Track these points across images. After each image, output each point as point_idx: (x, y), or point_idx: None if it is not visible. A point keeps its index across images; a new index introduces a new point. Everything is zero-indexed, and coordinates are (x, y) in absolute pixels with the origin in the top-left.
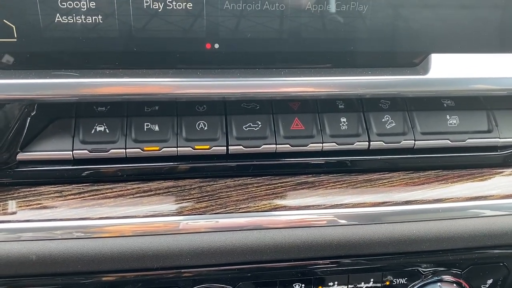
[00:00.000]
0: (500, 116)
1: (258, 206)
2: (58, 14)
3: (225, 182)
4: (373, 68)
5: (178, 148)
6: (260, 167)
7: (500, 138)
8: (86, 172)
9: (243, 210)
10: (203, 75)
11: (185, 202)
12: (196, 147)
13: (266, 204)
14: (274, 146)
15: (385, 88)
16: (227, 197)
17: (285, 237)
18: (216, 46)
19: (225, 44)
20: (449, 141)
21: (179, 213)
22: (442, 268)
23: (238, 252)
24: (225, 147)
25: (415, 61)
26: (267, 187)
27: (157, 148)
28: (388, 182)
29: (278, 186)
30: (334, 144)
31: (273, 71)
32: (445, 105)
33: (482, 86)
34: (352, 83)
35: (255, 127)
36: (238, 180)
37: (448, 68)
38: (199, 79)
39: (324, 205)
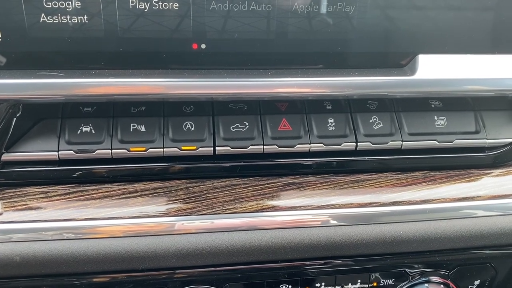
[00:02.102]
0: (487, 117)
1: (245, 207)
2: (43, 14)
3: (212, 183)
4: (360, 69)
5: (164, 149)
6: (248, 168)
7: (487, 139)
8: (71, 173)
9: (230, 211)
10: (190, 76)
11: (172, 203)
12: (183, 147)
13: (253, 205)
14: (262, 146)
15: (372, 89)
16: (214, 198)
17: (272, 238)
18: (203, 46)
19: (212, 45)
20: (436, 142)
21: (165, 214)
22: (429, 269)
23: (225, 253)
24: (212, 148)
25: (402, 62)
26: (254, 188)
27: (143, 149)
28: (375, 182)
29: (266, 187)
30: (322, 145)
31: (260, 71)
32: (432, 106)
33: (470, 87)
34: (339, 84)
35: (243, 128)
36: (225, 181)
37: (435, 69)
38: (186, 80)
39: (311, 206)
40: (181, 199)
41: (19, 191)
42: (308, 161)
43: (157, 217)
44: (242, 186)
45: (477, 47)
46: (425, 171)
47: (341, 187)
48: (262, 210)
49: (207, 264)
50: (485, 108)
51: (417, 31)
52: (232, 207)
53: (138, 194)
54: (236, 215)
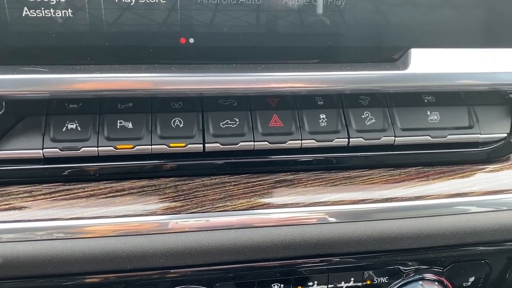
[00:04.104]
0: (481, 112)
1: (235, 205)
2: (25, 8)
3: (202, 181)
4: (352, 63)
5: (152, 146)
6: (238, 165)
7: (481, 134)
8: (56, 171)
9: (220, 209)
10: (178, 71)
11: (160, 201)
12: (171, 144)
13: (244, 203)
14: (252, 143)
15: (364, 84)
16: (204, 196)
17: (263, 237)
18: (191, 40)
19: (201, 39)
20: (429, 137)
21: (153, 213)
22: (423, 266)
23: (215, 252)
24: (202, 145)
25: (394, 56)
26: (245, 185)
27: (131, 146)
28: (368, 179)
29: (256, 184)
30: (313, 141)
31: (250, 66)
32: (425, 101)
33: (463, 81)
34: (330, 79)
35: (233, 124)
36: (215, 179)
37: (428, 63)
38: (174, 75)
39: (303, 203)
40: (170, 197)
41: (2, 190)
42: (300, 157)
43: (144, 216)
44: (233, 183)
45: (470, 41)
46: (418, 167)
47: (333, 184)
48: (253, 208)
49: (197, 264)
50: (478, 103)
51: (410, 25)
52: (222, 205)
53: (126, 192)
54: (227, 213)
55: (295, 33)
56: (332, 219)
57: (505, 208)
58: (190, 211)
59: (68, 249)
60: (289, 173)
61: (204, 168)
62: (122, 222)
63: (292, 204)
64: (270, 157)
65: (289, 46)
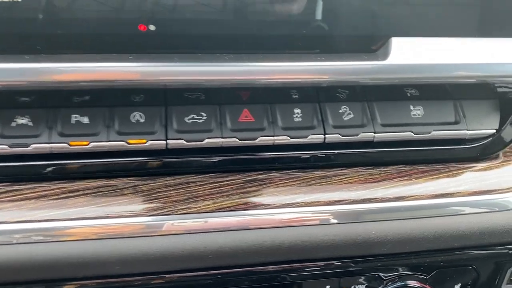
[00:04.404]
0: (468, 106)
1: (199, 207)
2: None
3: (164, 181)
4: (327, 54)
5: (109, 143)
6: (204, 163)
7: (468, 130)
8: (4, 170)
9: (182, 212)
10: (136, 60)
11: (116, 204)
12: (130, 141)
13: (209, 205)
14: (220, 140)
15: (340, 76)
16: (166, 197)
17: (229, 242)
18: (152, 28)
19: (162, 26)
20: (412, 134)
21: (107, 216)
22: (405, 273)
23: (170, 259)
24: (164, 141)
25: (374, 46)
26: (212, 185)
27: (86, 143)
28: (345, 178)
29: (224, 184)
30: (287, 137)
31: (216, 56)
32: (408, 94)
33: (448, 73)
34: (303, 70)
35: (199, 119)
36: (179, 178)
37: (410, 53)
38: (132, 65)
39: (274, 204)
40: (128, 199)
41: None
42: (272, 155)
43: (98, 219)
44: (198, 183)
45: (456, 30)
46: (399, 165)
47: (308, 184)
48: (219, 210)
49: (150, 272)
50: (465, 97)
51: (390, 12)
52: (185, 207)
53: (80, 193)
54: (188, 216)
55: (266, 20)
56: (305, 222)
57: (494, 209)
58: (149, 213)
59: (13, 254)
60: (260, 172)
61: (167, 166)
62: (73, 225)
63: (262, 205)
64: (239, 154)
65: (259, 34)
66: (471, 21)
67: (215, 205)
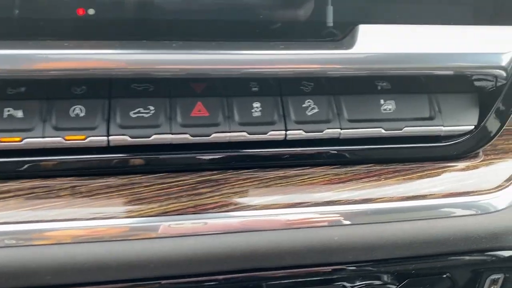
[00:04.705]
0: (444, 100)
1: (143, 210)
2: None
3: (106, 181)
4: (287, 41)
5: (45, 139)
6: (151, 162)
7: (443, 126)
8: None
9: (124, 216)
10: (73, 47)
11: (50, 207)
12: (68, 137)
13: (154, 208)
14: (169, 136)
15: (299, 66)
16: (106, 199)
17: (173, 248)
18: (91, 12)
19: (102, 10)
20: (382, 130)
21: (39, 220)
22: (373, 282)
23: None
24: (106, 137)
25: (339, 33)
26: (159, 186)
27: (18, 139)
28: (308, 178)
29: (173, 185)
30: (244, 133)
31: (164, 43)
32: (379, 87)
33: (421, 64)
34: (259, 60)
35: (146, 113)
36: (123, 179)
37: (379, 42)
38: (67, 52)
39: (227, 207)
40: (64, 201)
41: None
42: (227, 153)
43: (28, 223)
44: (144, 184)
45: (431, 17)
46: (369, 165)
47: (266, 184)
48: (165, 213)
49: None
50: (441, 91)
51: None
52: (127, 210)
53: (11, 194)
54: (131, 220)
55: (219, 3)
56: (260, 227)
57: (471, 212)
58: (88, 217)
59: None
60: (214, 172)
61: (109, 166)
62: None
63: (214, 208)
64: (191, 152)
65: (212, 19)
66: (447, 7)
67: (160, 208)
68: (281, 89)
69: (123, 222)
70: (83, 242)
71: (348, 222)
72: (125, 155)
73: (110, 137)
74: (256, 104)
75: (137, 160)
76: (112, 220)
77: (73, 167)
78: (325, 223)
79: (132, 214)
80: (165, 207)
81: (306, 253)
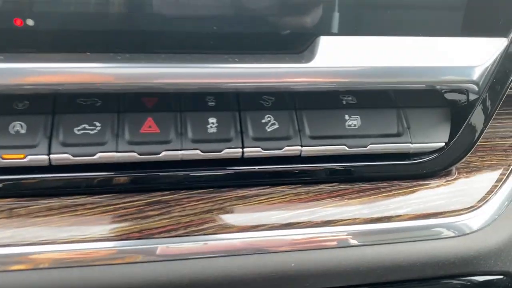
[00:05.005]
0: (414, 116)
1: (84, 235)
2: None
3: (48, 203)
4: (243, 54)
5: None
6: (96, 182)
7: (411, 143)
8: None
9: (63, 241)
10: (9, 61)
11: None
12: (5, 156)
13: (95, 233)
14: (115, 154)
15: (256, 79)
16: (45, 223)
17: (114, 276)
18: (30, 23)
19: (42, 20)
20: (345, 147)
21: None
22: None
23: None
24: (47, 156)
25: (299, 45)
26: (104, 208)
27: None
28: (266, 199)
29: (120, 207)
30: (197, 151)
31: (109, 56)
32: (344, 102)
33: (387, 78)
34: (213, 73)
35: (91, 130)
36: (66, 200)
37: (341, 55)
38: (6, 66)
39: (175, 232)
40: None
41: None
42: (179, 173)
43: None
44: (89, 206)
45: (398, 28)
46: (331, 184)
47: (221, 206)
48: (107, 239)
49: None
50: (411, 105)
51: (320, 7)
52: (66, 235)
53: None
54: (69, 246)
55: (169, 14)
56: (210, 254)
57: (439, 236)
58: (25, 242)
59: None
60: (166, 192)
61: (51, 186)
62: None
63: (161, 233)
64: (140, 172)
65: (161, 30)
66: (416, 18)
67: (102, 233)
68: (240, 103)
69: (60, 248)
70: (12, 271)
71: (305, 247)
72: (68, 175)
73: (52, 156)
74: (212, 120)
75: (81, 180)
76: (49, 246)
77: (11, 188)
78: (282, 249)
79: (73, 239)
80: (108, 232)
81: (261, 282)
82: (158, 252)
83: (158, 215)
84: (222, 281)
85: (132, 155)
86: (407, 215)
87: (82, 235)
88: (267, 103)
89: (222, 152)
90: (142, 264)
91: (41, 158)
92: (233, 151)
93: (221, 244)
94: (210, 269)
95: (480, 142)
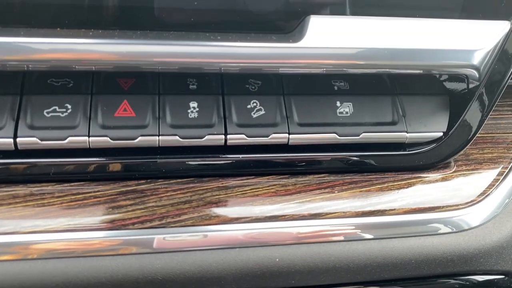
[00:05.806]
0: (410, 103)
1: (49, 225)
2: None
3: (13, 190)
4: (226, 33)
5: None
6: (66, 168)
7: (407, 132)
8: None
9: (28, 230)
10: None
11: None
12: None
13: (62, 223)
14: (87, 138)
15: (239, 60)
16: (9, 210)
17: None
18: None
19: None
20: (336, 136)
21: None
22: None
23: None
24: (12, 139)
25: (288, 25)
26: (73, 197)
27: None
28: (251, 190)
29: (90, 196)
30: (176, 137)
31: (80, 32)
32: (335, 87)
33: (380, 61)
34: (192, 52)
35: (62, 113)
36: (33, 187)
37: (331, 35)
38: None
39: (149, 224)
40: None
41: None
42: (156, 159)
43: None
44: (57, 195)
45: (393, 8)
46: (321, 175)
47: (201, 196)
48: (73, 229)
49: None
50: (407, 92)
51: None
52: (29, 224)
53: None
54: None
55: None
56: (190, 246)
57: (435, 231)
58: None
59: None
60: (142, 181)
61: (15, 173)
62: None
63: (134, 224)
64: (113, 158)
65: (138, 6)
66: None
67: (70, 223)
68: (224, 87)
69: (21, 239)
70: None
71: (291, 241)
72: (35, 160)
73: (18, 139)
74: (193, 104)
75: (49, 166)
76: (10, 236)
77: None
78: (266, 243)
79: (37, 229)
80: (75, 223)
81: (242, 277)
82: (130, 244)
83: (131, 205)
84: (200, 277)
85: (105, 140)
86: (402, 209)
87: (46, 225)
88: (253, 87)
89: (204, 139)
90: (112, 257)
91: (5, 141)
92: (215, 138)
93: (199, 237)
94: (186, 264)
95: (480, 134)
